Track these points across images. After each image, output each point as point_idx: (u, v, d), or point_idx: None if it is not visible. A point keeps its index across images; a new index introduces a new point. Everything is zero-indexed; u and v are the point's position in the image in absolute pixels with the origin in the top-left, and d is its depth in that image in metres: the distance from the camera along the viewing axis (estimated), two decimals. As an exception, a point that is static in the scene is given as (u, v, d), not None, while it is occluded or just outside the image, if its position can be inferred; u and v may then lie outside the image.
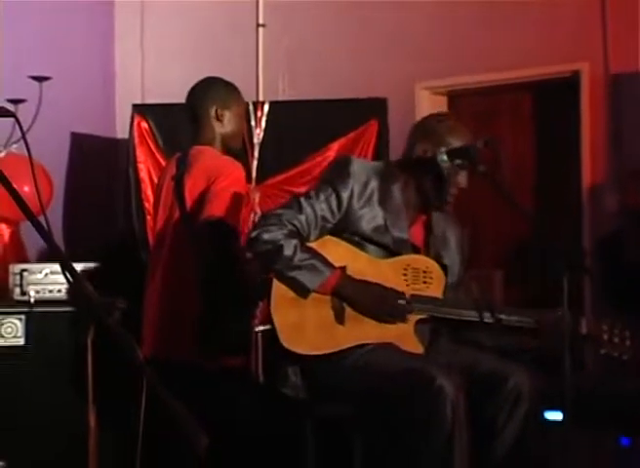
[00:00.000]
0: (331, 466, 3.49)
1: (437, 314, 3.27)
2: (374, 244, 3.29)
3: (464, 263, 3.47)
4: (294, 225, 3.22)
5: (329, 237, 3.30)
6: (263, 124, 5.65)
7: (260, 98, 5.82)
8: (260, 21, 6.06)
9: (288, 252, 3.16)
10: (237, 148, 3.99)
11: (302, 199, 3.28)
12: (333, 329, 3.20)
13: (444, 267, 3.35)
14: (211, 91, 3.88)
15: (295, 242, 3.18)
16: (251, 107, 5.52)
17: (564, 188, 5.77)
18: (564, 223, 5.61)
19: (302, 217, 3.24)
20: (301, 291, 3.18)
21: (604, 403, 4.01)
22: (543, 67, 5.71)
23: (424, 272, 3.30)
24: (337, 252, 3.26)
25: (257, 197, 5.58)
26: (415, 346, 3.24)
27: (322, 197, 3.27)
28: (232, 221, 3.62)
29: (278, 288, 3.22)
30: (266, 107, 5.66)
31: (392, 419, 3.16)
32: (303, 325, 3.20)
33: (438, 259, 3.36)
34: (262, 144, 5.63)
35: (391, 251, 3.30)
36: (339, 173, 3.31)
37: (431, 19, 6.05)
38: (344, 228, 3.29)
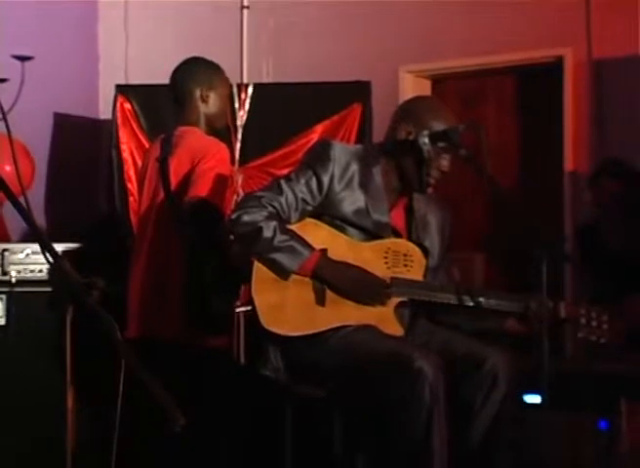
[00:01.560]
0: (309, 447, 3.51)
1: (417, 297, 3.28)
2: (354, 227, 3.29)
3: (445, 247, 3.48)
4: (274, 207, 3.22)
5: (309, 219, 3.30)
6: (247, 106, 5.64)
7: (245, 81, 5.81)
8: (245, 3, 6.05)
9: (267, 233, 3.17)
10: (221, 129, 3.98)
11: (283, 181, 3.28)
12: (313, 310, 3.21)
13: (425, 250, 3.36)
14: (195, 72, 3.87)
15: (274, 224, 3.18)
16: (235, 90, 5.52)
17: (546, 172, 5.79)
18: (545, 208, 5.64)
19: (282, 200, 3.24)
20: (281, 272, 3.19)
21: (582, 385, 4.04)
22: (527, 52, 5.73)
23: (405, 255, 3.31)
24: (317, 234, 3.26)
25: (240, 179, 5.58)
26: (395, 329, 3.25)
27: (302, 180, 3.27)
28: (217, 202, 3.62)
29: (259, 269, 3.23)
30: (250, 90, 5.65)
31: (371, 400, 3.17)
32: (284, 306, 3.21)
33: (419, 243, 3.37)
34: (246, 127, 5.63)
35: (372, 234, 3.30)
36: (319, 156, 3.31)
37: (415, 2, 6.05)
38: (325, 211, 3.29)
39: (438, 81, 6.23)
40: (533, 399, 3.86)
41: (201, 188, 3.59)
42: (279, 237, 3.17)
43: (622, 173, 4.85)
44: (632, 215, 4.77)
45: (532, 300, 3.19)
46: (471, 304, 3.25)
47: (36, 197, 6.06)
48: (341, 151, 3.32)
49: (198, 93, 3.83)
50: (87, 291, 1.91)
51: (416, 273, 3.32)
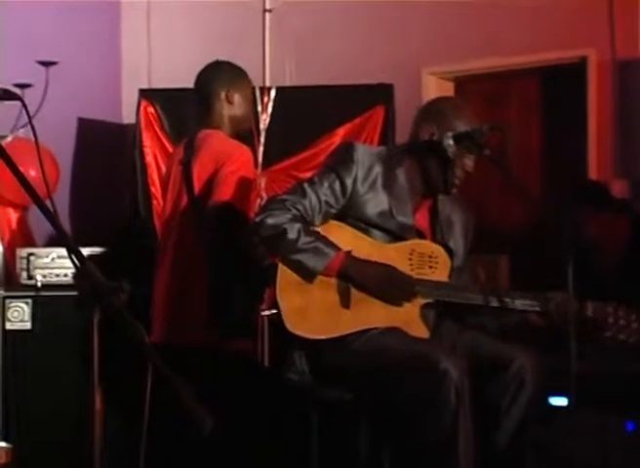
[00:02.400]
0: (335, 450, 3.50)
1: (442, 298, 3.27)
2: (378, 229, 3.29)
3: (469, 248, 3.47)
4: (297, 210, 3.22)
5: (333, 222, 3.30)
6: (270, 109, 5.64)
7: (267, 84, 5.81)
8: (267, 6, 6.05)
9: (292, 235, 3.17)
10: (247, 131, 3.99)
11: (306, 185, 3.28)
12: (338, 313, 3.20)
13: (449, 251, 3.35)
14: (220, 73, 3.88)
15: (298, 226, 3.18)
16: (257, 93, 5.52)
17: (570, 174, 5.77)
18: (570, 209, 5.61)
19: (306, 203, 3.24)
20: (307, 274, 3.19)
21: (609, 387, 4.02)
22: (550, 53, 5.70)
23: (430, 257, 3.31)
24: (341, 236, 3.26)
25: (263, 182, 5.58)
26: (420, 331, 3.24)
27: (326, 183, 3.27)
28: (241, 206, 3.62)
29: (283, 272, 3.22)
30: (273, 93, 5.65)
31: (397, 403, 3.16)
32: (309, 309, 3.20)
33: (444, 243, 3.37)
34: (269, 130, 5.62)
35: (396, 236, 3.30)
36: (342, 158, 3.31)
37: (438, 4, 6.04)
38: (349, 213, 3.29)
39: (461, 83, 6.22)
40: (559, 401, 3.84)
41: (225, 192, 3.59)
42: (304, 238, 3.17)
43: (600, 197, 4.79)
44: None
45: (557, 299, 3.17)
46: (497, 305, 3.24)
47: (61, 201, 6.08)
48: (365, 153, 3.32)
49: (223, 94, 3.84)
50: (114, 294, 1.91)
51: (441, 274, 3.31)
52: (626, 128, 5.49)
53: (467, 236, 3.47)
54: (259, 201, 5.28)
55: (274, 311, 3.31)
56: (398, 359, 3.09)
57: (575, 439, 3.18)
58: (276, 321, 3.29)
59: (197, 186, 3.70)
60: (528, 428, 3.13)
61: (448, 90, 6.14)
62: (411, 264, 3.28)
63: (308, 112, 5.64)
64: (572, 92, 5.77)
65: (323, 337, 3.19)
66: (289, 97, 5.67)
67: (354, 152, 3.30)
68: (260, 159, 5.60)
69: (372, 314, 3.22)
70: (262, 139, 5.61)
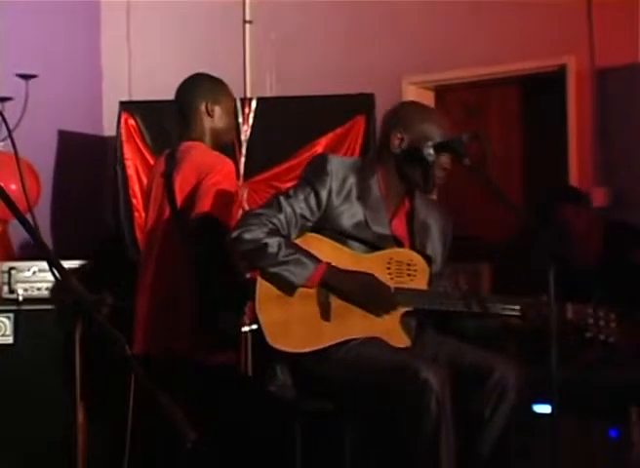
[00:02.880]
0: (319, 461, 3.50)
1: (422, 306, 3.27)
2: (355, 240, 3.29)
3: (448, 252, 3.48)
4: (274, 224, 3.22)
5: (311, 234, 3.30)
6: (251, 120, 5.65)
7: (248, 95, 5.82)
8: (247, 18, 6.05)
9: (272, 249, 3.17)
10: (228, 143, 3.99)
11: (282, 198, 3.28)
12: (319, 325, 3.20)
13: (428, 258, 3.36)
14: (200, 86, 3.88)
15: (278, 239, 3.19)
16: (238, 104, 5.52)
17: (550, 182, 5.78)
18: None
19: (282, 216, 3.24)
20: (289, 286, 3.19)
21: (592, 394, 4.03)
22: (530, 61, 5.72)
23: (408, 265, 3.30)
24: (320, 248, 3.26)
25: (244, 193, 5.58)
26: (401, 340, 3.24)
27: (301, 196, 3.28)
28: (223, 217, 3.62)
29: (262, 286, 3.22)
30: (254, 104, 5.66)
31: (379, 413, 3.17)
32: (289, 322, 3.20)
33: (422, 250, 3.37)
34: (250, 141, 5.63)
35: (373, 246, 3.30)
36: (316, 171, 3.32)
37: (418, 13, 6.06)
38: (325, 225, 3.29)
39: (441, 92, 6.23)
40: (542, 408, 3.85)
41: (207, 204, 3.59)
42: (285, 251, 3.17)
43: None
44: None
45: (536, 303, 3.19)
46: (477, 310, 3.25)
47: (42, 214, 6.06)
48: (338, 165, 3.32)
49: (203, 107, 3.84)
50: (96, 307, 1.91)
51: (419, 282, 3.31)
52: (606, 135, 5.52)
53: (445, 241, 3.47)
54: (240, 212, 5.28)
55: (255, 326, 3.31)
56: (379, 369, 3.09)
57: (558, 446, 3.18)
58: (257, 335, 3.29)
59: (179, 198, 3.70)
60: (511, 436, 3.14)
61: (428, 99, 6.15)
62: (390, 273, 3.28)
63: (290, 122, 5.65)
64: (552, 100, 5.79)
65: (304, 351, 3.18)
66: (270, 108, 5.67)
67: (328, 164, 3.30)
68: (242, 170, 5.60)
69: (352, 325, 3.21)
70: (244, 150, 5.61)
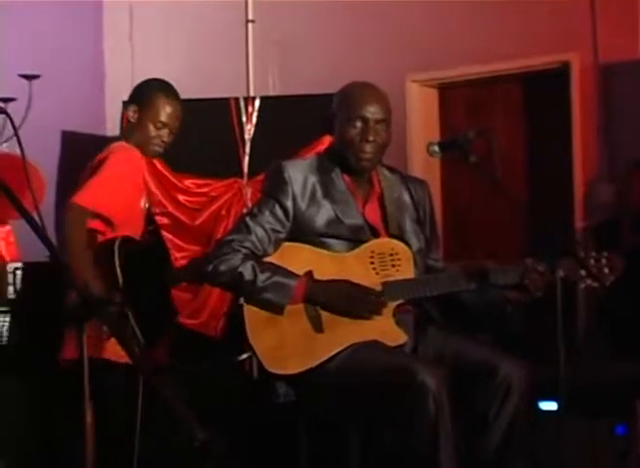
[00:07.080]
0: (323, 466, 3.50)
1: (412, 296, 3.24)
2: (332, 238, 3.26)
3: (430, 220, 3.44)
4: (247, 248, 3.22)
5: (288, 244, 3.28)
6: (254, 119, 5.65)
7: (251, 94, 5.82)
8: (250, 17, 6.06)
9: (248, 277, 3.17)
10: (155, 153, 3.89)
11: (248, 219, 3.28)
12: (313, 339, 3.19)
13: (408, 244, 3.30)
14: (138, 90, 3.98)
15: (251, 264, 3.18)
16: (242, 103, 5.52)
17: (555, 178, 5.78)
18: (555, 213, 5.62)
19: (253, 238, 3.23)
20: (274, 309, 3.19)
21: (598, 391, 4.02)
22: (533, 58, 5.72)
23: (391, 255, 3.26)
24: (299, 257, 3.25)
25: (249, 192, 5.58)
26: (398, 337, 3.21)
27: (266, 211, 3.27)
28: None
29: (249, 311, 3.22)
30: (257, 103, 5.66)
31: (378, 417, 3.16)
32: (283, 344, 3.19)
33: (399, 234, 3.32)
34: (254, 140, 5.63)
35: (351, 239, 3.27)
36: (275, 182, 3.31)
37: (421, 11, 6.05)
38: (300, 232, 3.27)
39: (444, 90, 6.23)
40: (549, 406, 3.84)
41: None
42: (261, 277, 3.17)
43: None
44: None
45: (528, 264, 3.16)
46: (466, 288, 3.22)
47: (46, 214, 6.05)
48: (295, 169, 3.32)
49: (131, 112, 3.92)
50: (105, 306, 1.91)
51: (406, 271, 3.27)
52: (610, 131, 5.52)
53: (422, 210, 3.41)
54: (244, 210, 5.28)
55: (249, 354, 3.29)
56: (375, 372, 3.07)
57: (565, 443, 3.17)
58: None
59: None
60: (517, 435, 3.12)
61: (431, 97, 6.16)
62: (374, 268, 3.25)
63: (293, 121, 5.64)
64: (555, 97, 5.79)
65: (304, 370, 3.17)
66: (273, 107, 5.67)
67: (284, 172, 3.30)
68: (246, 169, 5.60)
69: (346, 332, 3.19)
70: (248, 149, 5.61)
